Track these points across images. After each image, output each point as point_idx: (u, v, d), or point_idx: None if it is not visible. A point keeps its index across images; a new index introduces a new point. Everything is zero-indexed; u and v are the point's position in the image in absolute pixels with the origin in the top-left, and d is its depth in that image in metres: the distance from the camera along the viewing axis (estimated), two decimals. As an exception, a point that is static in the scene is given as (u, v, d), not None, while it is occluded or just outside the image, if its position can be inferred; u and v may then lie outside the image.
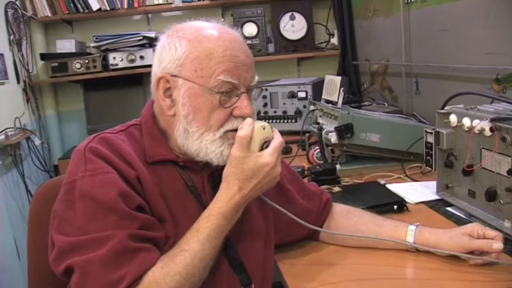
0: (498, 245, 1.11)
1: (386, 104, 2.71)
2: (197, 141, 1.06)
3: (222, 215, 1.02)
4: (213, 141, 1.06)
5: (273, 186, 1.09)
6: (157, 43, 1.13)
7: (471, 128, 1.37)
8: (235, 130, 1.06)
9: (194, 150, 1.07)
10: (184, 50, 1.06)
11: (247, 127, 1.04)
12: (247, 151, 1.03)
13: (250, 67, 1.09)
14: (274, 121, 2.94)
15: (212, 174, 1.14)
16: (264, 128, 1.06)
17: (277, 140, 1.06)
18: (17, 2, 3.38)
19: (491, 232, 1.14)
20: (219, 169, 1.11)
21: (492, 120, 1.27)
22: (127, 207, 0.98)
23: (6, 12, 3.23)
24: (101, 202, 0.96)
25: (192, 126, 1.06)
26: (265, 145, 1.05)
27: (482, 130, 1.31)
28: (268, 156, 1.03)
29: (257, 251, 1.18)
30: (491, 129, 1.27)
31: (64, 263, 0.95)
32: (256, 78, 1.12)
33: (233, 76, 1.05)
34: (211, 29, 1.09)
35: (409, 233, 1.22)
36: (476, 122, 1.34)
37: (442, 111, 1.51)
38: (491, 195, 1.30)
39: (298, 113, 2.89)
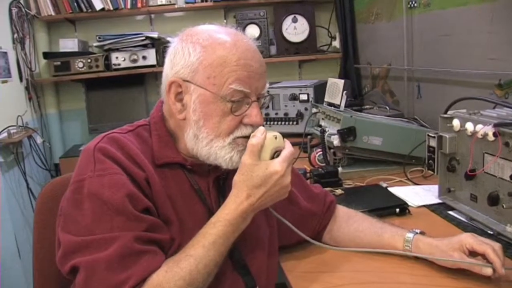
0: (487, 270, 1.07)
1: (388, 108, 2.72)
2: (207, 147, 1.07)
3: (228, 222, 1.02)
4: (222, 147, 1.07)
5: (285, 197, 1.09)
6: (170, 44, 1.12)
7: (474, 133, 1.38)
8: (245, 137, 1.07)
9: (204, 154, 1.08)
10: (198, 57, 1.05)
11: (259, 135, 1.04)
12: (257, 159, 1.04)
13: (262, 76, 1.10)
14: (275, 123, 2.96)
15: (217, 178, 1.15)
16: (276, 138, 1.06)
17: (288, 149, 1.07)
18: (21, 1, 3.38)
19: (479, 247, 1.09)
20: (225, 172, 1.12)
21: (495, 125, 1.28)
22: (134, 209, 0.98)
23: (10, 10, 3.23)
24: (109, 203, 0.97)
25: (202, 132, 1.07)
26: (276, 154, 1.06)
27: (485, 135, 1.32)
28: (277, 164, 1.03)
29: (261, 254, 1.19)
30: (495, 134, 1.28)
31: (70, 262, 0.96)
32: (267, 85, 1.12)
33: (245, 85, 1.05)
34: (225, 35, 1.08)
35: (406, 244, 1.22)
36: (479, 127, 1.35)
37: (445, 115, 1.52)
38: (493, 200, 1.31)
39: (300, 115, 2.91)
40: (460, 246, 1.12)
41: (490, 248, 1.08)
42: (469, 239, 1.12)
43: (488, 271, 1.07)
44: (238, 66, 1.05)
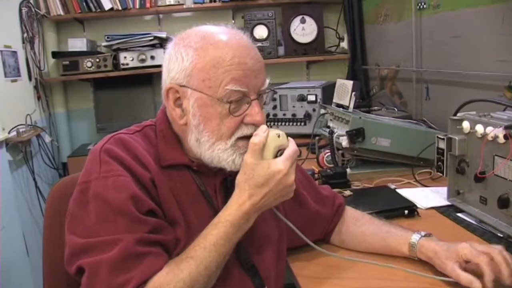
0: (476, 285, 1.02)
1: (396, 109, 2.72)
2: (209, 150, 1.06)
3: (230, 223, 1.01)
4: (224, 150, 1.05)
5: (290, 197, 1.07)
6: (166, 50, 1.11)
7: (484, 135, 1.37)
8: (247, 137, 1.05)
9: (208, 158, 1.07)
10: (191, 60, 1.03)
11: (261, 133, 1.02)
12: (259, 158, 1.01)
13: (259, 72, 1.07)
14: (283, 124, 2.95)
15: (225, 179, 1.14)
16: (279, 136, 1.03)
17: (291, 148, 1.04)
18: (31, 1, 3.41)
19: (474, 259, 1.05)
20: (232, 174, 1.10)
21: (506, 127, 1.27)
22: (138, 211, 0.98)
23: (20, 10, 3.26)
24: (112, 205, 0.97)
25: (203, 136, 1.05)
26: (279, 153, 1.03)
27: (495, 137, 1.31)
28: (280, 163, 1.01)
29: (269, 255, 1.18)
30: (505, 136, 1.27)
31: (76, 263, 0.97)
32: (267, 81, 1.09)
33: (242, 84, 1.03)
34: (218, 35, 1.06)
35: (411, 249, 1.21)
36: (489, 129, 1.34)
37: (455, 117, 1.51)
38: (503, 202, 1.30)
39: (307, 116, 2.91)
40: (456, 257, 1.09)
41: (485, 260, 1.04)
42: (466, 250, 1.08)
43: (476, 286, 1.03)
44: (232, 66, 1.02)
